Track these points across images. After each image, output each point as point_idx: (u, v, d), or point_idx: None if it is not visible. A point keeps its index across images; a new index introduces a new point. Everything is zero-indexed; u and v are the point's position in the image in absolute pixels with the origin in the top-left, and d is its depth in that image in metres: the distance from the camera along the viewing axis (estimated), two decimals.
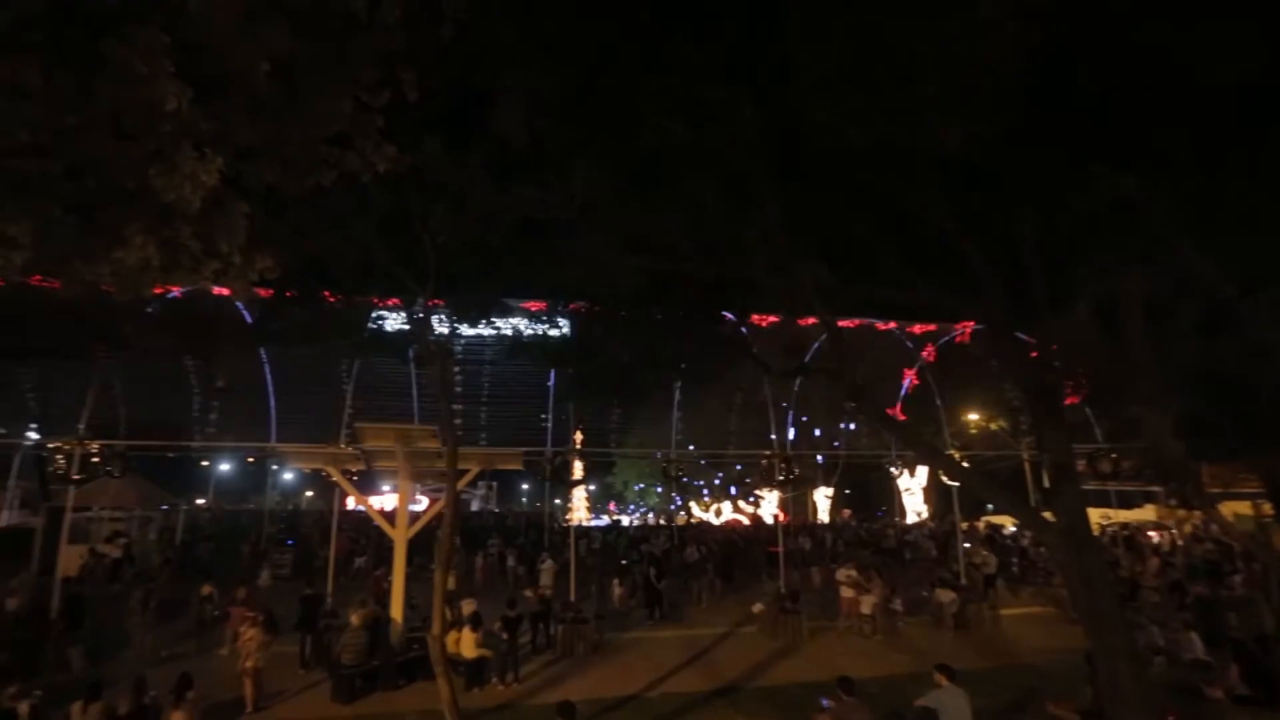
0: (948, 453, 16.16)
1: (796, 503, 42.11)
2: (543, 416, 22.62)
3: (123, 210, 6.51)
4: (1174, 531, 24.97)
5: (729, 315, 12.86)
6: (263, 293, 11.96)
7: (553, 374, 20.07)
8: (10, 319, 11.62)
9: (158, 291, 10.89)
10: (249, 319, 20.56)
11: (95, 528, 23.02)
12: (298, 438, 23.27)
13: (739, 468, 40.16)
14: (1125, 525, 25.57)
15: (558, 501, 45.80)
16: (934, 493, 36.01)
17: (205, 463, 36.48)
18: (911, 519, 36.11)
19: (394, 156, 6.49)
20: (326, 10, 6.21)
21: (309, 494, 48.47)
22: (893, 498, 38.30)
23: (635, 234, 8.58)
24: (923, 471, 34.75)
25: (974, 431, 28.42)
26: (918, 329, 26.98)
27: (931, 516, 35.74)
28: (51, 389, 26.56)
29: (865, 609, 14.56)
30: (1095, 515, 10.64)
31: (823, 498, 41.55)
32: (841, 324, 10.66)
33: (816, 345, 21.33)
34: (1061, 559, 8.09)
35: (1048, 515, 8.43)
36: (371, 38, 6.50)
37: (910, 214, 10.23)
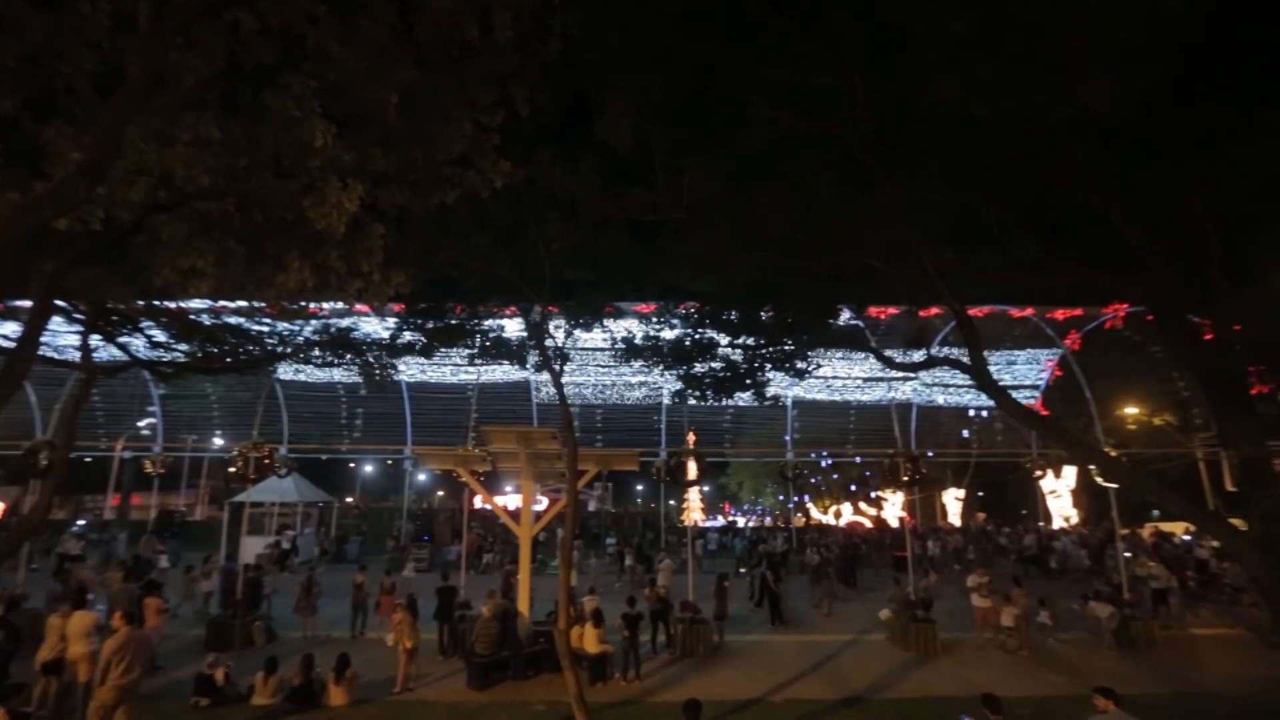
0: (1105, 450, 14.47)
1: (924, 505, 39.59)
2: (655, 418, 22.90)
3: (282, 239, 7.36)
4: None
5: (845, 308, 12.32)
6: (396, 307, 13.07)
7: (665, 375, 20.24)
8: (200, 341, 13.50)
9: (311, 311, 12.14)
10: (385, 332, 22.47)
11: (267, 521, 26.10)
12: (430, 441, 25.15)
13: (868, 473, 38.41)
14: None
15: (672, 502, 46.14)
16: (1085, 496, 32.46)
17: (352, 464, 40.33)
18: (1058, 524, 32.78)
19: (509, 171, 6.86)
20: (446, 41, 6.66)
21: (440, 493, 52.18)
22: (1034, 500, 34.93)
23: (746, 229, 8.44)
24: (1070, 472, 31.42)
25: (1132, 427, 25.31)
26: (1059, 314, 24.49)
27: (1082, 522, 32.26)
28: (231, 401, 30.49)
29: (1007, 620, 13.36)
30: None
31: (953, 500, 38.76)
32: (971, 312, 9.86)
33: (941, 336, 19.96)
34: (1257, 573, 6.98)
35: (1236, 522, 7.32)
36: (486, 62, 6.90)
37: (1048, 189, 9.32)
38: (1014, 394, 10.00)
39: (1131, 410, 24.89)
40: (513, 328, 13.36)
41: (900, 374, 20.57)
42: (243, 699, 9.77)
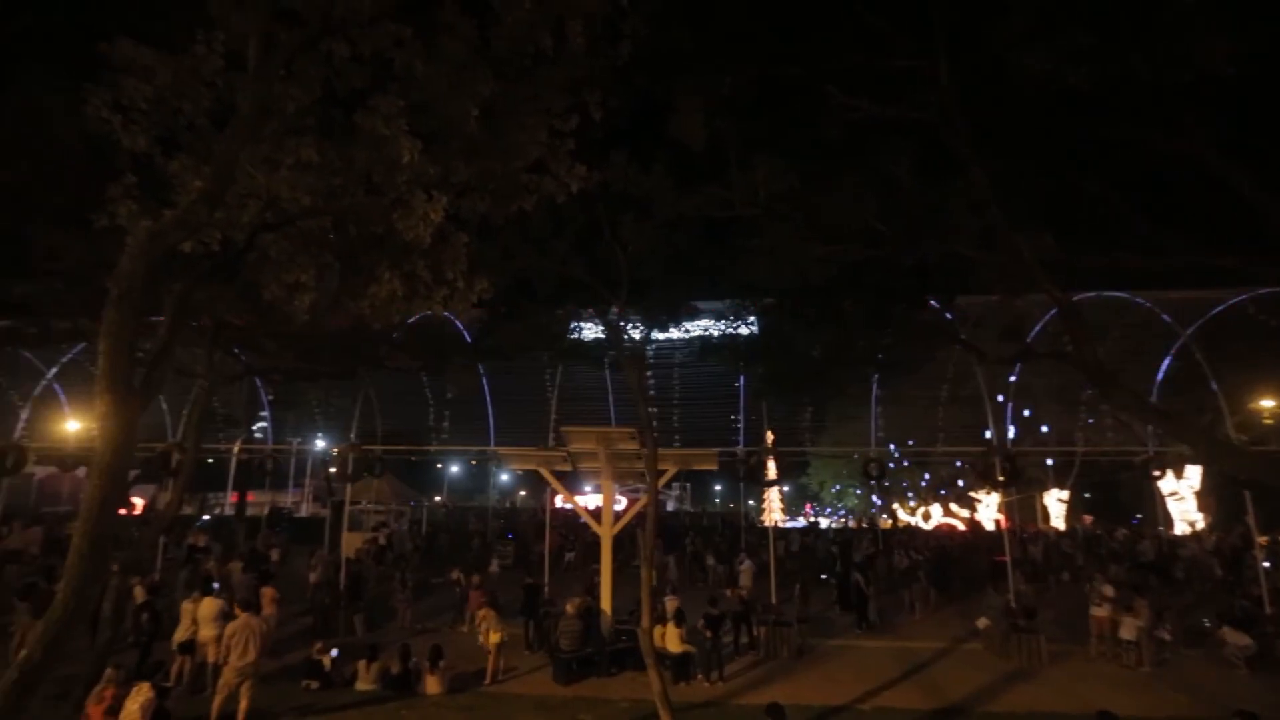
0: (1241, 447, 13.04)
1: (1022, 506, 37.15)
2: (733, 417, 22.70)
3: (374, 252, 7.82)
4: None
5: (932, 300, 11.72)
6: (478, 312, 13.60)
7: (743, 373, 19.97)
8: (302, 350, 14.57)
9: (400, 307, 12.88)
10: (468, 337, 23.46)
11: (365, 518, 27.75)
12: (512, 442, 25.96)
13: (960, 464, 36.38)
14: None
15: (751, 502, 45.50)
16: (1212, 498, 29.46)
17: (440, 465, 42.20)
18: (1180, 529, 29.92)
19: (585, 175, 7.01)
20: (521, 52, 6.88)
21: (522, 493, 53.74)
22: (1151, 503, 32.04)
23: (824, 223, 8.21)
24: (1193, 471, 28.61)
25: (1269, 420, 22.73)
26: (1177, 298, 22.31)
27: (1209, 526, 29.30)
28: (330, 406, 32.68)
29: (1127, 633, 12.29)
30: None
31: (1055, 501, 36.18)
32: (1075, 298, 9.16)
33: (1040, 326, 18.65)
34: None
35: None
36: (559, 69, 7.07)
37: (1159, 162, 8.55)
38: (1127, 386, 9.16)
39: (1269, 403, 22.36)
40: (590, 329, 13.60)
41: (993, 366, 19.37)
42: (347, 684, 10.42)
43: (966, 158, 7.66)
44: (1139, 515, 35.17)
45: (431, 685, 10.25)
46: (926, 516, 44.20)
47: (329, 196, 7.13)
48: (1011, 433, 25.98)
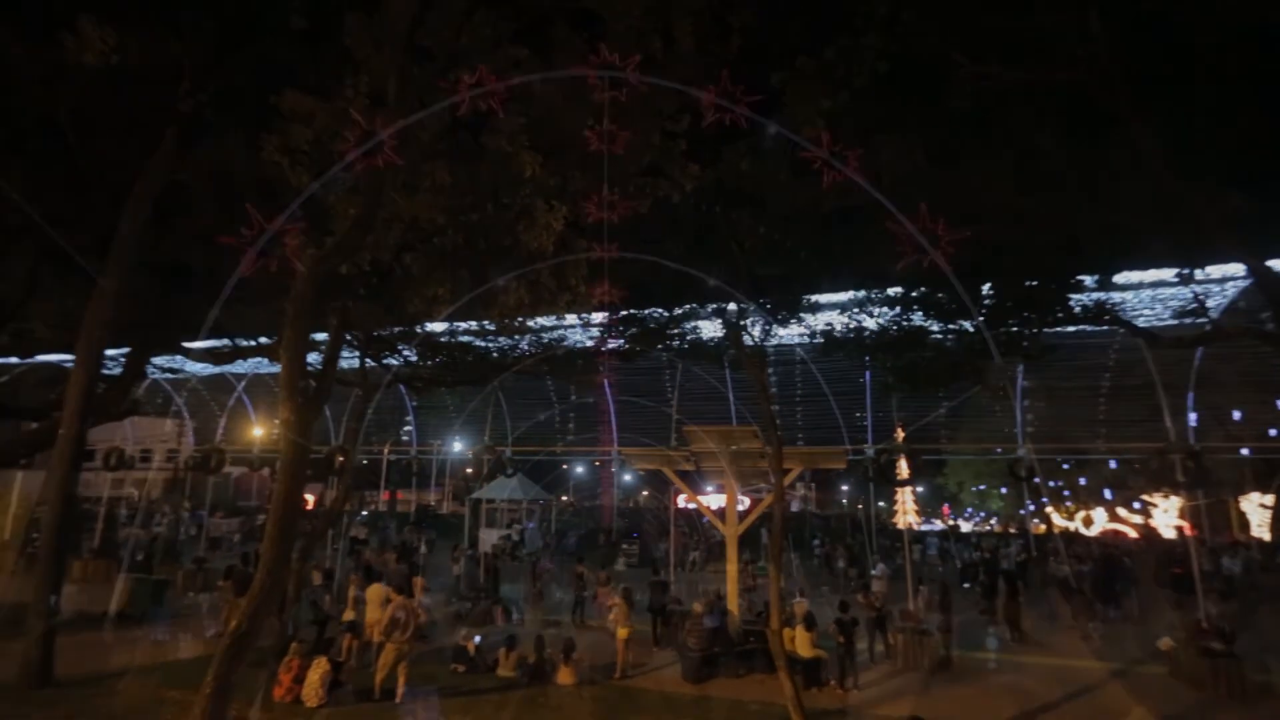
0: None
1: (1212, 513, 32.19)
2: (859, 414, 21.67)
3: (502, 263, 8.31)
4: None
5: (1086, 279, 10.45)
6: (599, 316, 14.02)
7: (868, 369, 19.02)
8: (441, 357, 15.83)
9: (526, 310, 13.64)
10: (589, 340, 24.25)
11: (499, 516, 29.52)
12: (635, 442, 26.47)
13: (1123, 470, 32.26)
14: None
15: (881, 504, 43.09)
16: None
17: (565, 465, 43.93)
18: None
19: (698, 173, 7.04)
20: (631, 59, 7.01)
21: (645, 493, 54.55)
22: None
23: (956, 203, 7.61)
24: None
25: None
26: None
27: None
28: (467, 411, 35.11)
29: None
30: None
31: (1256, 508, 31.06)
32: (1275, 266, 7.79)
33: (1228, 301, 16.02)
34: None
35: None
36: (669, 71, 7.14)
37: None
38: None
39: None
40: (709, 328, 13.55)
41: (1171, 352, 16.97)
42: (490, 669, 11.11)
43: (1126, 113, 6.78)
44: None
45: (564, 676, 10.68)
46: (1088, 521, 39.64)
47: (460, 213, 7.70)
48: (1193, 423, 22.62)
